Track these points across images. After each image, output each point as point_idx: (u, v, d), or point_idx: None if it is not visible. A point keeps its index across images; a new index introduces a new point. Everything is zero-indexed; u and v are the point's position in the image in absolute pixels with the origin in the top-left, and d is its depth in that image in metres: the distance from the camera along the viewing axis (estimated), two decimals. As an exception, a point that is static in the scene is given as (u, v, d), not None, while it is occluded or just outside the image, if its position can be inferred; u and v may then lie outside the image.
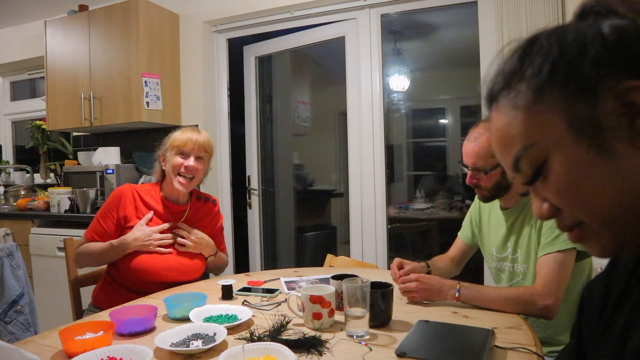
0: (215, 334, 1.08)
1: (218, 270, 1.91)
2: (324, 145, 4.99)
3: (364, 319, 1.11)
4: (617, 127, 0.45)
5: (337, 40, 2.96)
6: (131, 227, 1.69)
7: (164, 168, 1.78)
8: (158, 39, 3.12)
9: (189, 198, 1.84)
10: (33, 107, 4.17)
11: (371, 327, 1.14)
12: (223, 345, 1.05)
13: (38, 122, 3.76)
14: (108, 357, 0.97)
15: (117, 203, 1.72)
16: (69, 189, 3.14)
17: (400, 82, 4.81)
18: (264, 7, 3.00)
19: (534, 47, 0.49)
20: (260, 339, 1.08)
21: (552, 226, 1.32)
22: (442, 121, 5.67)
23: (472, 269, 1.92)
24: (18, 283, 1.91)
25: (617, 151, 0.45)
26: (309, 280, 1.56)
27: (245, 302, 1.41)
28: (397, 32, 4.59)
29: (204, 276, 1.82)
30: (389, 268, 1.51)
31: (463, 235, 1.71)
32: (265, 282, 1.66)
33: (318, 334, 1.11)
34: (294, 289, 1.52)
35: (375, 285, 1.19)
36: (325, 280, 1.51)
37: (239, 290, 1.52)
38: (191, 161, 1.72)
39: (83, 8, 3.32)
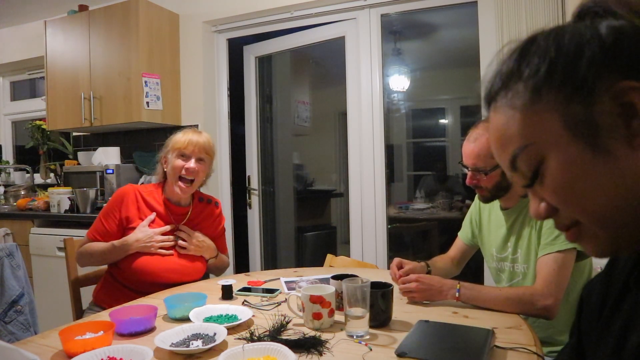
0: (215, 334, 1.08)
1: (219, 271, 1.91)
2: (324, 145, 4.99)
3: (364, 319, 1.11)
4: (614, 128, 0.45)
5: (337, 40, 2.96)
6: (133, 228, 1.69)
7: (165, 170, 1.78)
8: (158, 39, 3.12)
9: (191, 200, 1.84)
10: (33, 107, 4.17)
11: (371, 327, 1.14)
12: (223, 345, 1.05)
13: (38, 122, 3.76)
14: (108, 357, 0.97)
15: (120, 203, 1.72)
16: (69, 189, 3.14)
17: (400, 82, 4.81)
18: (264, 7, 3.00)
19: (532, 48, 0.49)
20: (260, 339, 1.08)
21: (552, 226, 1.30)
22: (442, 121, 5.67)
23: (472, 269, 1.92)
24: (18, 283, 1.91)
25: (613, 152, 0.45)
26: (309, 280, 1.56)
27: (245, 302, 1.41)
28: (397, 32, 4.59)
29: (204, 276, 1.82)
30: (389, 268, 1.51)
31: (463, 236, 1.71)
32: (265, 282, 1.66)
33: (318, 334, 1.11)
34: (294, 289, 1.52)
35: (375, 285, 1.19)
36: (325, 280, 1.51)
37: (239, 290, 1.52)
38: (192, 163, 1.71)
39: (83, 8, 3.32)
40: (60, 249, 2.86)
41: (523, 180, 0.52)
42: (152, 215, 1.72)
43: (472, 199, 1.73)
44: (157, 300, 1.43)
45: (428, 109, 5.81)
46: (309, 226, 4.27)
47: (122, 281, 1.71)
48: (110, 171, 3.07)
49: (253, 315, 1.24)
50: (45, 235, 2.99)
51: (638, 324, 0.51)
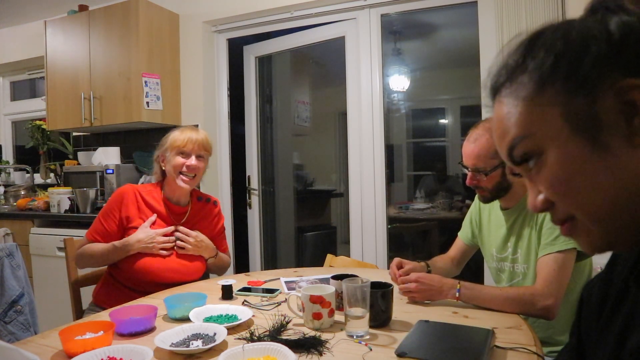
0: (215, 334, 1.08)
1: (220, 270, 1.91)
2: (324, 145, 4.99)
3: (364, 319, 1.11)
4: (615, 125, 0.45)
5: (337, 40, 2.96)
6: (134, 228, 1.70)
7: (164, 169, 1.78)
8: (158, 39, 3.12)
9: (189, 199, 1.84)
10: (33, 107, 4.17)
11: (371, 327, 1.14)
12: (223, 345, 1.05)
13: (38, 122, 3.76)
14: (108, 357, 0.97)
15: (120, 203, 1.72)
16: (69, 189, 3.14)
17: (400, 82, 4.81)
18: (264, 7, 3.00)
19: (539, 41, 0.49)
20: (260, 339, 1.08)
21: (552, 226, 1.31)
22: (442, 121, 5.67)
23: (472, 269, 1.91)
24: (18, 283, 1.91)
25: (612, 149, 0.45)
26: (309, 280, 1.56)
27: (245, 302, 1.41)
28: (397, 32, 4.58)
29: (204, 276, 1.82)
30: (389, 268, 1.51)
31: (463, 236, 1.71)
32: (265, 282, 1.66)
33: (318, 334, 1.11)
34: (294, 289, 1.52)
35: (375, 285, 1.19)
36: (325, 280, 1.51)
37: (239, 290, 1.52)
38: (193, 160, 1.73)
39: (83, 8, 3.32)
40: (60, 249, 2.86)
41: (515, 167, 0.52)
42: (153, 217, 1.72)
43: (472, 199, 1.73)
44: (157, 300, 1.43)
45: (428, 109, 5.81)
46: (309, 226, 4.27)
47: (122, 281, 1.71)
48: (110, 171, 3.07)
49: (253, 315, 1.24)
50: (45, 235, 2.99)
51: (638, 324, 0.51)
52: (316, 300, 1.16)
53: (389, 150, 3.48)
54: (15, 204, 3.44)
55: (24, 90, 4.43)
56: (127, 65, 3.02)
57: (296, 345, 1.02)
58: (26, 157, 4.20)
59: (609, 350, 0.55)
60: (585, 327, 0.64)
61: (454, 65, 4.87)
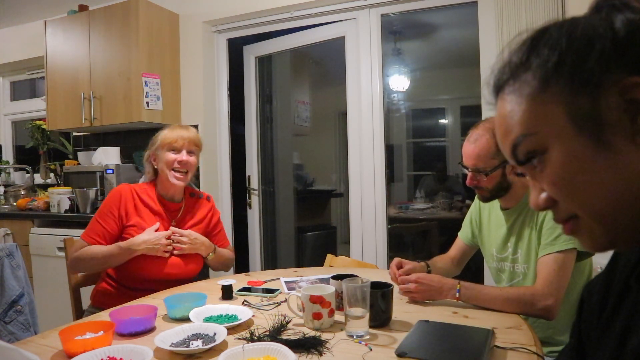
0: (215, 334, 1.08)
1: (224, 267, 1.91)
2: (324, 145, 4.99)
3: (364, 319, 1.11)
4: (618, 123, 0.45)
5: (337, 40, 2.96)
6: (132, 226, 1.70)
7: (156, 167, 1.80)
8: (158, 39, 3.12)
9: (183, 195, 1.86)
10: (33, 107, 4.17)
11: (371, 327, 1.14)
12: (223, 345, 1.05)
13: (38, 122, 3.76)
14: (108, 357, 0.97)
15: (118, 202, 1.73)
16: (69, 189, 3.14)
17: (400, 82, 4.81)
18: (264, 7, 3.00)
19: (543, 38, 0.49)
20: (260, 339, 1.08)
21: (553, 226, 1.31)
22: (442, 121, 5.67)
23: (472, 269, 1.91)
24: (18, 283, 1.91)
25: (616, 147, 0.45)
26: (309, 280, 1.56)
27: (245, 302, 1.41)
28: (397, 32, 4.58)
29: (204, 276, 1.82)
30: (389, 268, 1.51)
31: (463, 236, 1.71)
32: (265, 282, 1.66)
33: (318, 334, 1.11)
34: (294, 289, 1.52)
35: (375, 285, 1.19)
36: (325, 280, 1.51)
37: (239, 290, 1.52)
38: (184, 155, 1.76)
39: (83, 8, 3.32)
40: (60, 249, 2.86)
41: (519, 166, 0.52)
42: (157, 225, 1.72)
43: (472, 199, 1.73)
44: (157, 300, 1.42)
45: (428, 109, 5.81)
46: (309, 226, 4.27)
47: (120, 280, 1.71)
48: (110, 171, 3.07)
49: (253, 315, 1.24)
50: (45, 235, 2.99)
51: (639, 324, 0.51)
52: (316, 300, 1.16)
53: (389, 150, 3.48)
54: (15, 204, 3.44)
55: (24, 90, 4.43)
56: (127, 65, 3.02)
57: (296, 345, 1.02)
58: (26, 157, 4.20)
59: (609, 350, 0.55)
60: (585, 327, 0.64)
61: (454, 65, 4.88)
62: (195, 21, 3.24)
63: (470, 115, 4.85)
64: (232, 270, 3.20)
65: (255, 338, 1.09)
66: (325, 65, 4.56)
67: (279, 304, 1.39)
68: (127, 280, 1.70)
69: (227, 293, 1.45)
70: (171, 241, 1.70)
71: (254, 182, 3.36)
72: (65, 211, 3.05)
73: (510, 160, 0.53)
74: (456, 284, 1.31)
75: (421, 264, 1.53)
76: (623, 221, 0.47)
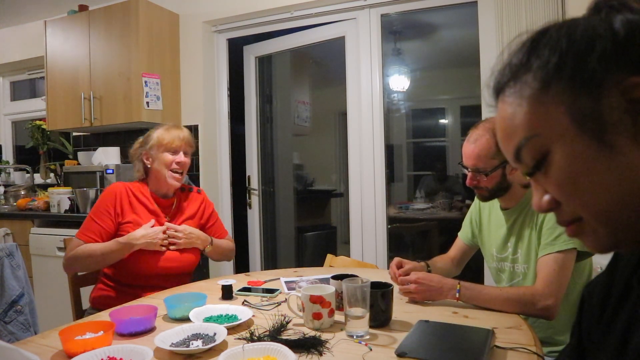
0: (215, 334, 1.08)
1: (225, 257, 1.93)
2: (324, 145, 4.99)
3: (364, 319, 1.11)
4: (620, 124, 0.45)
5: (337, 40, 2.96)
6: (128, 222, 1.71)
7: (149, 166, 1.81)
8: (158, 39, 3.12)
9: (174, 191, 1.88)
10: (33, 107, 4.17)
11: (371, 327, 1.14)
12: (223, 345, 1.05)
13: (38, 122, 3.76)
14: (108, 357, 0.97)
15: (113, 200, 1.74)
16: (69, 189, 3.14)
17: (400, 82, 4.81)
18: (264, 7, 3.00)
19: (543, 40, 0.49)
20: (260, 339, 1.08)
21: (553, 226, 1.32)
22: (442, 121, 5.67)
23: (472, 269, 1.91)
24: (18, 283, 1.91)
25: (618, 147, 0.45)
26: (309, 280, 1.56)
27: (245, 302, 1.41)
28: (397, 32, 4.59)
29: (204, 276, 1.83)
30: (389, 268, 1.51)
31: (463, 236, 1.71)
32: (265, 282, 1.66)
33: (318, 334, 1.11)
34: (294, 289, 1.51)
35: (375, 285, 1.19)
36: (325, 280, 1.51)
37: (239, 290, 1.52)
38: (181, 157, 1.80)
39: (83, 8, 3.32)
40: (60, 249, 2.86)
41: (526, 169, 0.52)
42: (152, 222, 1.73)
43: (472, 199, 1.73)
44: (157, 300, 1.42)
45: (428, 109, 5.81)
46: (309, 226, 4.27)
47: (118, 279, 1.71)
48: (110, 171, 3.07)
49: (253, 315, 1.24)
50: (45, 235, 2.98)
51: (640, 324, 0.51)
52: (316, 300, 1.16)
53: (389, 150, 3.48)
54: (15, 204, 3.44)
55: (24, 90, 4.43)
56: (127, 65, 3.02)
57: (296, 345, 1.02)
58: (26, 157, 4.20)
59: (611, 350, 0.55)
60: (586, 328, 0.64)
61: (454, 65, 4.88)
62: (195, 21, 3.24)
63: (470, 116, 4.85)
64: (232, 270, 3.22)
65: (255, 338, 1.09)
66: (325, 65, 4.56)
67: (279, 304, 1.39)
68: (125, 278, 1.70)
69: (227, 293, 1.45)
70: (167, 236, 1.71)
71: (254, 182, 3.36)
72: (65, 211, 3.05)
73: (513, 163, 0.53)
74: (456, 284, 1.31)
75: (421, 263, 1.53)
76: (627, 222, 0.47)
